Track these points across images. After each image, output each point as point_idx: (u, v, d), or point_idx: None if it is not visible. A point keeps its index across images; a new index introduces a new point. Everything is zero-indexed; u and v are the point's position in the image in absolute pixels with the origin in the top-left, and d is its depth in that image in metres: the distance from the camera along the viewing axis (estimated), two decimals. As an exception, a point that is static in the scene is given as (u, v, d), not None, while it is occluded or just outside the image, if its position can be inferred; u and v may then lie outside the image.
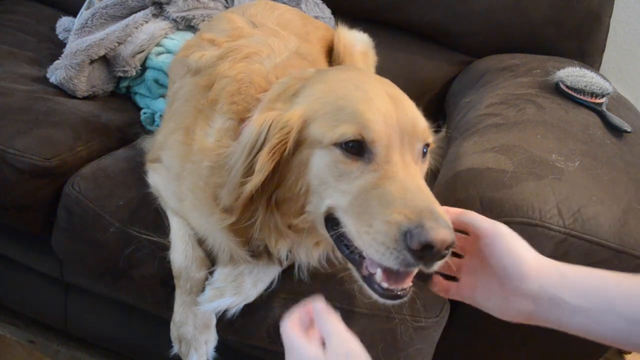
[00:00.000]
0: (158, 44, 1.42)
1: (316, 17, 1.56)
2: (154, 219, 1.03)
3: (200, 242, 0.97)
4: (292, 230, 0.81)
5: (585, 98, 1.18)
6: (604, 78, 1.28)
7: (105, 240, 1.03)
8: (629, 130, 1.09)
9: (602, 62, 1.65)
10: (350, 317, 0.93)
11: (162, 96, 1.40)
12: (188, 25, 1.45)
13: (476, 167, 0.96)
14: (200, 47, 1.06)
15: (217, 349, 0.99)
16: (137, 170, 1.09)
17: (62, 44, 1.56)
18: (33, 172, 1.09)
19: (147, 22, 1.44)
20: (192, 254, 0.95)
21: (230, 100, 0.89)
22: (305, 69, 0.92)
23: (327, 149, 0.69)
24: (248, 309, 0.95)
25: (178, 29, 1.47)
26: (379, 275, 0.66)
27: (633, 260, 0.86)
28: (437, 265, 0.65)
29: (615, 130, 1.10)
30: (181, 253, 0.95)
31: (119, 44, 1.39)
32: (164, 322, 1.02)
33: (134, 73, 1.41)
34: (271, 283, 0.95)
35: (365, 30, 1.42)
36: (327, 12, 1.65)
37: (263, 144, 0.73)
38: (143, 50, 1.40)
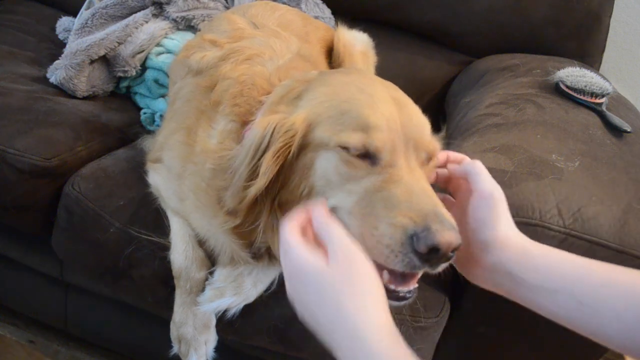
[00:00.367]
0: (158, 44, 1.42)
1: (316, 17, 1.56)
2: (154, 219, 1.03)
3: (201, 242, 0.97)
4: None
5: (585, 98, 1.18)
6: (604, 78, 1.28)
7: (105, 240, 1.03)
8: (629, 130, 1.09)
9: (602, 62, 1.65)
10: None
11: (162, 96, 1.40)
12: (188, 25, 1.46)
13: (476, 167, 0.96)
14: (202, 47, 1.06)
15: (217, 349, 0.99)
16: (137, 170, 1.09)
17: (62, 44, 1.56)
18: (33, 172, 1.09)
19: (147, 22, 1.44)
20: (192, 254, 0.95)
21: (233, 102, 0.89)
22: (307, 71, 0.92)
23: (333, 150, 0.69)
24: (248, 310, 0.95)
25: (178, 29, 1.47)
26: (385, 277, 0.65)
27: (633, 260, 0.86)
28: (442, 267, 0.65)
29: (615, 130, 1.10)
30: (181, 253, 0.95)
31: (119, 44, 1.39)
32: (164, 322, 1.02)
33: (134, 73, 1.41)
34: (271, 284, 0.95)
35: (365, 30, 1.42)
36: (327, 12, 1.65)
37: (267, 147, 0.72)
38: (143, 50, 1.40)
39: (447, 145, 1.20)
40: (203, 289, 0.94)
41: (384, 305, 0.56)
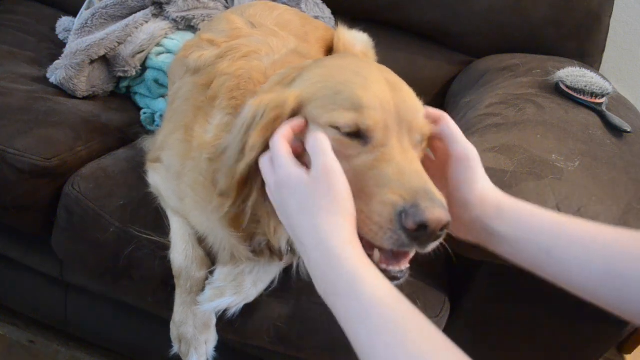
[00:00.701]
0: (158, 44, 1.42)
1: (316, 17, 1.56)
2: (154, 218, 1.03)
3: (201, 240, 0.97)
4: None
5: (585, 98, 1.18)
6: (604, 78, 1.28)
7: (105, 240, 1.03)
8: (629, 130, 1.09)
9: (602, 62, 1.65)
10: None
11: (162, 96, 1.40)
12: (188, 25, 1.45)
13: (476, 167, 0.96)
14: (200, 47, 1.06)
15: (217, 348, 0.99)
16: (137, 170, 1.09)
17: (62, 44, 1.56)
18: (33, 172, 1.09)
19: (147, 22, 1.44)
20: (192, 254, 0.95)
21: (230, 95, 0.88)
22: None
23: (324, 129, 0.68)
24: (248, 309, 0.95)
25: (178, 29, 1.47)
26: (376, 256, 0.65)
27: (633, 260, 0.86)
28: (432, 246, 0.65)
29: (615, 130, 1.10)
30: (181, 252, 0.95)
31: (119, 44, 1.39)
32: (164, 322, 1.02)
33: (134, 73, 1.41)
34: (271, 283, 0.96)
35: (365, 30, 1.42)
36: (327, 12, 1.65)
37: (259, 124, 0.71)
38: (143, 50, 1.40)
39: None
40: (203, 288, 0.94)
41: (352, 226, 0.60)
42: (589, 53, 1.60)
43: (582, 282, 0.60)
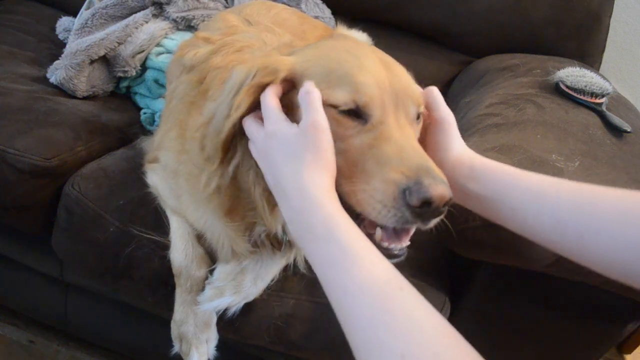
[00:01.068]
0: (158, 44, 1.42)
1: (316, 17, 1.56)
2: (154, 218, 1.03)
3: (200, 239, 0.97)
4: None
5: (585, 98, 1.18)
6: (604, 78, 1.28)
7: (105, 240, 1.03)
8: (629, 130, 1.09)
9: (602, 62, 1.65)
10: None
11: (162, 96, 1.40)
12: (188, 25, 1.46)
13: (476, 167, 0.96)
14: (195, 45, 1.06)
15: (218, 347, 0.99)
16: (137, 170, 1.09)
17: (62, 44, 1.56)
18: (33, 172, 1.09)
19: (147, 22, 1.44)
20: (192, 253, 0.95)
21: (221, 87, 0.88)
22: None
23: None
24: (248, 308, 0.95)
25: (178, 29, 1.47)
26: (378, 234, 0.66)
27: (633, 260, 0.86)
28: (434, 222, 0.65)
29: (615, 130, 1.10)
30: (181, 252, 0.95)
31: (119, 44, 1.39)
32: (164, 321, 1.02)
33: (134, 73, 1.41)
34: (272, 281, 0.96)
35: (365, 30, 1.42)
36: (327, 12, 1.65)
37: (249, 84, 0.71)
38: (143, 51, 1.40)
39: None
40: (203, 288, 0.94)
41: (332, 180, 0.63)
42: (589, 53, 1.60)
43: (536, 231, 0.66)
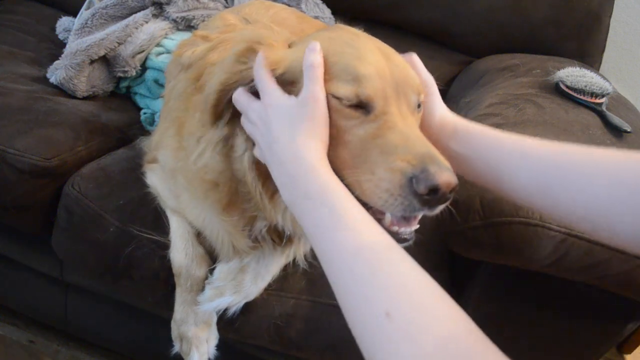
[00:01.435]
0: (158, 44, 1.42)
1: (316, 17, 1.56)
2: (154, 218, 1.03)
3: (200, 237, 0.97)
4: None
5: (585, 98, 1.18)
6: (604, 78, 1.28)
7: (105, 240, 1.03)
8: (629, 130, 1.09)
9: (602, 62, 1.65)
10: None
11: (162, 96, 1.40)
12: (188, 25, 1.46)
13: (476, 166, 0.96)
14: (194, 44, 1.06)
15: (218, 347, 0.99)
16: (136, 170, 1.09)
17: (62, 44, 1.56)
18: (33, 172, 1.09)
19: (147, 22, 1.44)
20: (192, 252, 0.95)
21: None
22: None
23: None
24: (248, 308, 0.95)
25: (178, 29, 1.47)
26: (387, 219, 0.66)
27: (633, 260, 0.86)
28: (440, 209, 0.65)
29: (615, 130, 1.10)
30: (181, 251, 0.95)
31: (119, 44, 1.39)
32: (164, 321, 1.02)
33: (134, 73, 1.41)
34: (272, 280, 0.96)
35: (365, 30, 1.41)
36: (327, 12, 1.65)
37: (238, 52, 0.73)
38: (143, 51, 1.40)
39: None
40: (204, 287, 0.94)
41: (325, 150, 0.65)
42: (589, 53, 1.60)
43: (518, 188, 0.67)
